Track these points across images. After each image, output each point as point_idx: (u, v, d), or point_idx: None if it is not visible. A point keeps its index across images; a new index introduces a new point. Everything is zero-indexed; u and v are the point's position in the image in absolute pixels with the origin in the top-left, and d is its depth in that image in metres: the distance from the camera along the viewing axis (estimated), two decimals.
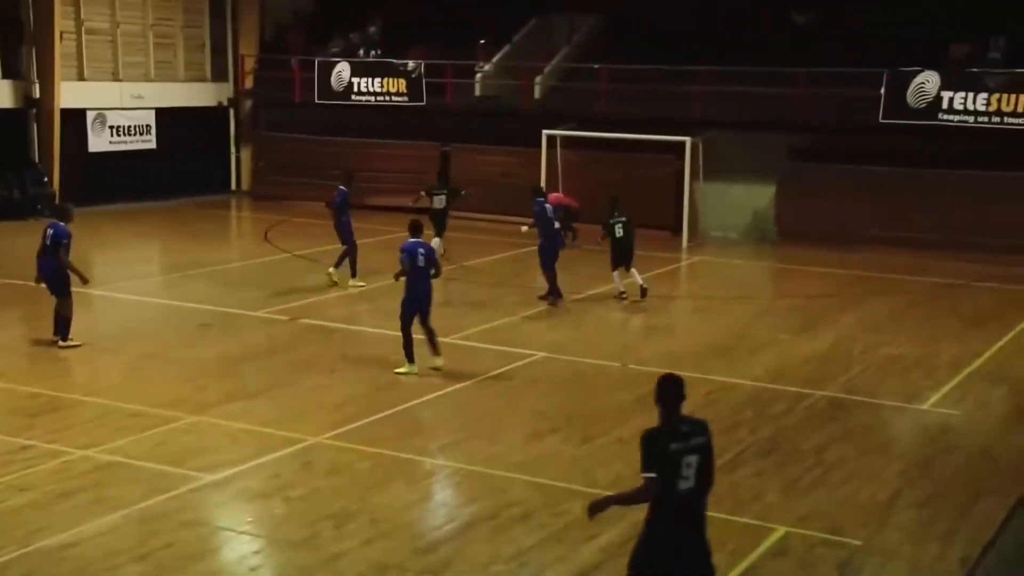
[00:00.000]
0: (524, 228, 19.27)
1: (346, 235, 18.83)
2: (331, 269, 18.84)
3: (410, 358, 13.52)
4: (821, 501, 9.93)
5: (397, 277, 13.77)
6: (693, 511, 6.49)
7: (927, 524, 9.48)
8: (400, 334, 13.51)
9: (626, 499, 6.64)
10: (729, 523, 9.36)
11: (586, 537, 8.95)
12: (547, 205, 17.66)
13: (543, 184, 24.13)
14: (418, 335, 13.59)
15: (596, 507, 6.64)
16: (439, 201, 21.41)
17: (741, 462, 10.86)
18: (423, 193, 21.64)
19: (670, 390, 6.52)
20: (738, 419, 12.20)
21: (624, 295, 17.86)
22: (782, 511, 9.67)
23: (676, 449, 6.36)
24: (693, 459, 6.38)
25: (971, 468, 10.96)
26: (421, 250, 13.43)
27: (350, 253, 18.82)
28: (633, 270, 17.88)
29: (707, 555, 6.57)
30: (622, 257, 17.79)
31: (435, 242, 20.46)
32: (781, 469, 10.72)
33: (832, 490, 10.21)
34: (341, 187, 18.96)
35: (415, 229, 13.70)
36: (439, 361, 13.67)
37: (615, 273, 17.88)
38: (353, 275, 18.80)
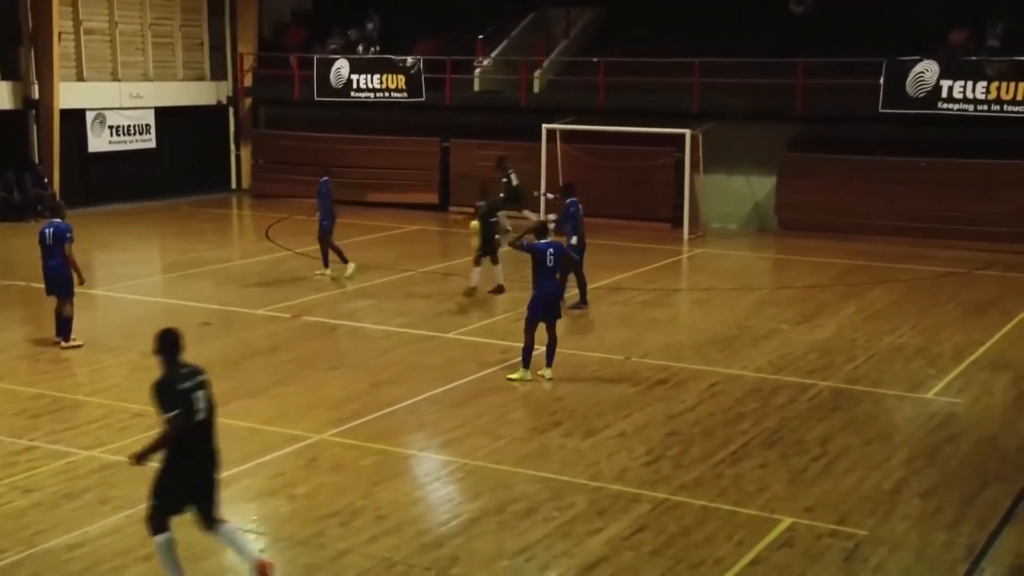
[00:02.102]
0: (549, 195, 21.47)
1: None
2: (322, 270, 19.09)
3: (526, 363, 13.09)
4: (826, 491, 9.92)
5: (513, 244, 13.72)
6: (207, 438, 7.68)
7: (933, 513, 9.48)
8: (524, 336, 13.14)
9: (162, 441, 7.51)
10: (734, 514, 9.37)
11: (592, 531, 8.96)
12: (580, 205, 17.18)
13: (543, 179, 24.20)
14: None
15: (140, 457, 7.61)
16: (515, 178, 23.25)
17: (746, 454, 10.86)
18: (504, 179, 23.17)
19: (170, 342, 7.63)
20: (742, 411, 12.20)
21: (474, 290, 17.50)
22: (787, 502, 9.67)
23: (186, 388, 7.51)
24: (201, 394, 7.58)
25: (976, 456, 10.95)
26: (551, 250, 13.04)
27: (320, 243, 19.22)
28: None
29: (216, 479, 7.74)
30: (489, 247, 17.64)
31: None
32: (786, 460, 10.71)
33: (837, 480, 10.21)
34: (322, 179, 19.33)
35: (542, 231, 13.40)
36: (548, 373, 13.22)
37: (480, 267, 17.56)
38: (325, 265, 19.15)
